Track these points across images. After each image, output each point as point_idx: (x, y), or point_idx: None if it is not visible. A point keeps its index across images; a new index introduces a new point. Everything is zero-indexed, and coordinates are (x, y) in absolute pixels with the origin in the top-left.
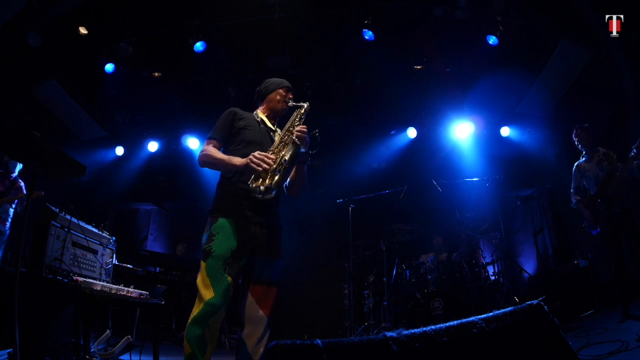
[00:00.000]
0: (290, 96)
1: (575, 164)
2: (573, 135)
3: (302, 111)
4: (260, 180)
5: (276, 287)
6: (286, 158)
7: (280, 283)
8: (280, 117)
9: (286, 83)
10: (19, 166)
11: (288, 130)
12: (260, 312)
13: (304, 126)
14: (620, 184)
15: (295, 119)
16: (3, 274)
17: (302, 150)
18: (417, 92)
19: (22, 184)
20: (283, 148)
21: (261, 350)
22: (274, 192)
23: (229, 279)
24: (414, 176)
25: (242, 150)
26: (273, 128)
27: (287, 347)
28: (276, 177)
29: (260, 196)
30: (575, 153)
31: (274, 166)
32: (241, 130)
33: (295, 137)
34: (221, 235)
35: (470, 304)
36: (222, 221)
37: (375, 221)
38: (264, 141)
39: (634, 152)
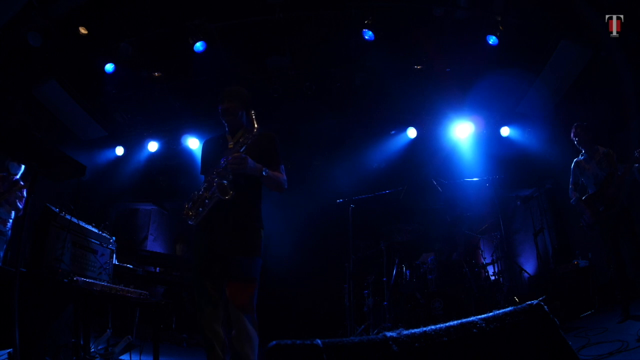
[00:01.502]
0: (223, 107)
1: (575, 160)
2: (572, 134)
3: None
4: (192, 211)
5: (249, 283)
6: (206, 197)
7: (255, 279)
8: (241, 125)
9: (220, 96)
10: (22, 169)
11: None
12: (235, 309)
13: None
14: (621, 185)
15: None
16: (3, 274)
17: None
18: (417, 92)
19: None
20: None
21: (244, 346)
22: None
23: (206, 284)
24: (414, 176)
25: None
26: (230, 143)
27: (287, 347)
28: (199, 211)
29: (190, 222)
30: (576, 153)
31: (196, 206)
32: (207, 156)
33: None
34: (194, 248)
35: (470, 304)
36: (195, 234)
37: (375, 221)
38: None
39: (636, 154)
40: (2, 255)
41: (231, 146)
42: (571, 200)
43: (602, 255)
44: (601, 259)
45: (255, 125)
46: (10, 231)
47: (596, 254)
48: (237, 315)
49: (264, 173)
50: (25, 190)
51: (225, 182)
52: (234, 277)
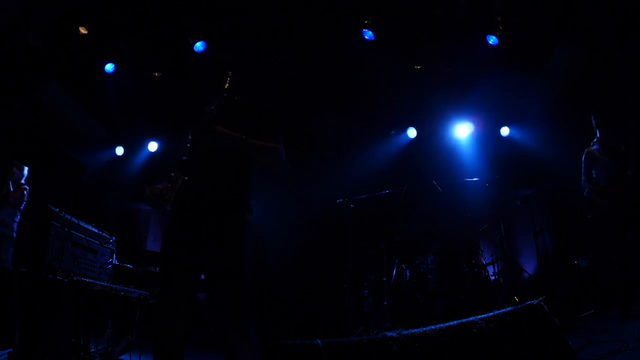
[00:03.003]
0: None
1: (587, 150)
2: (592, 115)
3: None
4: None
5: (233, 282)
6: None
7: (241, 276)
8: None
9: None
10: (25, 171)
11: None
12: (219, 314)
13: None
14: (629, 184)
15: None
16: (4, 274)
17: None
18: (417, 92)
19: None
20: None
21: None
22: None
23: (175, 276)
24: (414, 176)
25: None
26: None
27: (287, 347)
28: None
29: (168, 208)
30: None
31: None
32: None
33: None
34: (166, 233)
35: (470, 304)
36: (169, 219)
37: (375, 221)
38: None
39: None
40: (10, 258)
41: None
42: (585, 192)
43: (603, 255)
44: (601, 259)
45: (227, 86)
46: (15, 233)
47: (596, 254)
48: (221, 325)
49: (242, 143)
50: (27, 192)
51: (184, 158)
52: (214, 274)
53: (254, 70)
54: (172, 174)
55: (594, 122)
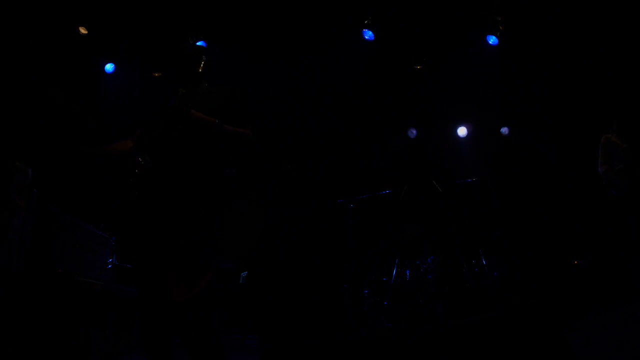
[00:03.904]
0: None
1: (604, 135)
2: (610, 107)
3: None
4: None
5: (191, 272)
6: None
7: (201, 265)
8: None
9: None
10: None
11: None
12: (176, 308)
13: None
14: None
15: None
16: (4, 275)
17: None
18: (417, 92)
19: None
20: None
21: None
22: None
23: (151, 269)
24: (414, 176)
25: None
26: None
27: (285, 347)
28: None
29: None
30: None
31: None
32: None
33: None
34: (134, 225)
35: (470, 304)
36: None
37: (375, 221)
38: None
39: None
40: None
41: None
42: (600, 171)
43: (603, 255)
44: (601, 258)
45: (200, 71)
46: (32, 236)
47: (596, 254)
48: (179, 321)
49: (216, 128)
50: (35, 192)
51: (153, 141)
52: (172, 264)
53: (253, 70)
54: (140, 159)
55: (612, 112)
